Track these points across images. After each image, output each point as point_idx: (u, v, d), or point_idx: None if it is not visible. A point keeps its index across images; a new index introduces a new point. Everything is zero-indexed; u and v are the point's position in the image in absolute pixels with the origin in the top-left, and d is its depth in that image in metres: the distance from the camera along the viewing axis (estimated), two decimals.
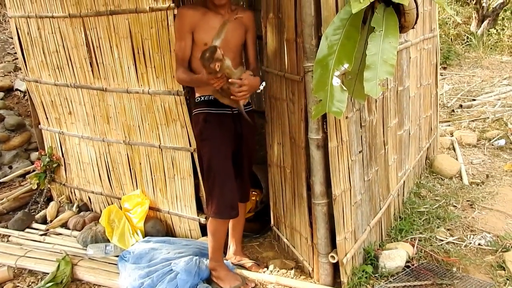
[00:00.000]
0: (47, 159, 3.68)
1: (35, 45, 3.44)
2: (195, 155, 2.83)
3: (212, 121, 2.42)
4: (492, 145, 4.48)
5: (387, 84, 2.74)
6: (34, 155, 4.51)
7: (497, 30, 9.89)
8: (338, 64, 1.85)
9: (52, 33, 3.27)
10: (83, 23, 3.05)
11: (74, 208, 3.60)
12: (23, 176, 4.30)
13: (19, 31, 3.51)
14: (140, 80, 2.93)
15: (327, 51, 1.88)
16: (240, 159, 2.56)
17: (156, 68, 2.82)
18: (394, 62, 1.82)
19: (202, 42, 2.33)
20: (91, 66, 3.16)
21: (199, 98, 2.47)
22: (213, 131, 2.41)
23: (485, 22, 10.08)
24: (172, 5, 2.58)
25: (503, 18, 10.32)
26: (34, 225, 3.52)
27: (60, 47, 3.27)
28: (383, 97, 2.71)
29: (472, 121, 5.25)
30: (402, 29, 2.07)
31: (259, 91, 2.46)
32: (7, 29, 5.99)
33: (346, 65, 1.84)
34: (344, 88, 1.86)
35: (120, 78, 3.03)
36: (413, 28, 2.18)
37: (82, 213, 3.51)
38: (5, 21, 6.16)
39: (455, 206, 3.29)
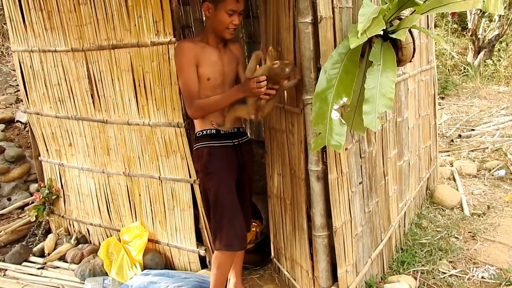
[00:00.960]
0: (46, 191, 3.67)
1: (37, 78, 3.49)
2: (195, 187, 2.82)
3: (217, 154, 2.42)
4: (492, 175, 4.47)
5: (386, 116, 2.76)
6: (33, 187, 4.49)
7: (493, 61, 10.04)
8: (337, 97, 1.87)
9: (55, 66, 3.32)
10: (85, 57, 3.11)
11: (72, 240, 3.56)
12: (21, 208, 4.27)
13: (22, 64, 3.57)
14: (140, 112, 2.96)
15: (326, 85, 1.91)
16: (242, 189, 2.55)
17: (156, 100, 2.85)
18: (392, 96, 1.84)
19: (205, 77, 2.34)
20: (92, 98, 3.19)
21: (201, 132, 2.46)
22: (219, 164, 2.41)
23: (482, 53, 10.25)
24: (174, 39, 2.63)
25: (499, 49, 10.50)
26: (32, 258, 3.47)
27: (62, 80, 3.31)
28: (382, 128, 2.73)
29: (472, 151, 5.26)
30: (400, 62, 2.10)
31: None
32: (9, 61, 6.08)
33: (345, 99, 1.86)
34: (343, 121, 1.87)
35: (121, 110, 3.05)
36: (410, 61, 2.22)
37: (80, 246, 3.47)
38: (8, 54, 6.26)
39: (457, 238, 3.26)
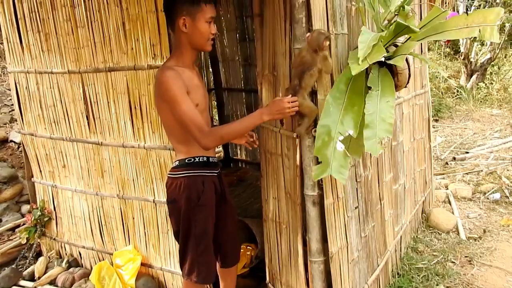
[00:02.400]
0: (39, 213, 3.62)
1: (32, 99, 3.48)
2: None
3: (209, 184, 2.30)
4: (487, 198, 4.47)
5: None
6: (25, 208, 4.43)
7: (486, 84, 10.18)
8: (342, 129, 1.87)
9: (51, 88, 3.32)
10: (81, 79, 3.11)
11: (63, 263, 3.50)
12: (12, 229, 4.20)
13: (17, 85, 3.56)
14: (136, 134, 2.95)
15: (330, 115, 1.90)
16: (225, 220, 2.46)
17: (152, 123, 2.84)
18: (392, 121, 1.84)
19: (194, 103, 2.13)
20: (87, 120, 3.18)
21: (192, 159, 2.26)
22: (210, 195, 2.30)
23: (474, 76, 10.39)
24: None
25: (491, 73, 10.66)
26: (22, 282, 3.40)
27: (58, 101, 3.31)
28: None
29: (466, 173, 5.27)
30: (396, 88, 2.11)
31: None
32: (5, 81, 6.08)
33: (351, 132, 1.86)
34: (348, 154, 1.86)
35: (116, 132, 3.04)
36: (405, 87, 2.24)
37: (71, 269, 3.41)
38: (3, 73, 6.26)
39: (454, 262, 3.23)
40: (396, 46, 2.08)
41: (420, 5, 3.34)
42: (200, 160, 2.28)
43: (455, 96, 9.98)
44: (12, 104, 5.05)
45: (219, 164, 2.45)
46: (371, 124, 1.83)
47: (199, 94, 2.20)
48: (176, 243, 2.93)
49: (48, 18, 3.15)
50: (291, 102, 2.03)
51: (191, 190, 2.23)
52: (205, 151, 2.22)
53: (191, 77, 2.18)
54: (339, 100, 1.93)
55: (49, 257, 3.66)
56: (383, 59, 1.96)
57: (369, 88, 1.92)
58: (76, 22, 3.02)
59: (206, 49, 2.22)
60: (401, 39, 2.09)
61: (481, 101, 9.53)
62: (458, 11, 9.82)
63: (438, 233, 3.76)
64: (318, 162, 2.23)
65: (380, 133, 1.82)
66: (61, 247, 3.70)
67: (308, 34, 2.04)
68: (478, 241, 3.59)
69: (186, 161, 2.26)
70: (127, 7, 2.76)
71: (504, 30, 10.30)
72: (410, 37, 2.02)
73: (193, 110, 2.07)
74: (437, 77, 10.56)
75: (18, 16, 3.32)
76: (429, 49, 10.70)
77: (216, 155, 2.48)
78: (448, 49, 11.86)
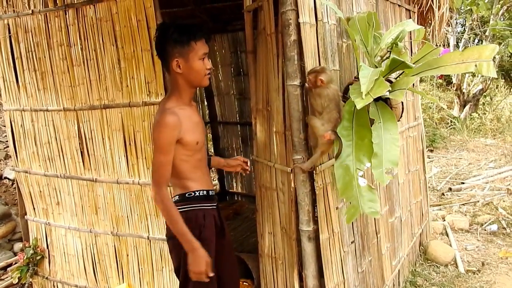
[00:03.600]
0: (31, 251, 3.56)
1: (27, 136, 3.49)
2: None
3: (209, 218, 2.27)
4: (485, 230, 4.45)
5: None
6: (17, 246, 4.36)
7: (479, 114, 10.30)
8: (359, 163, 1.88)
9: (46, 125, 3.33)
10: (76, 116, 3.13)
11: None
12: (4, 268, 4.12)
13: (12, 123, 3.57)
14: (130, 170, 2.95)
15: (343, 153, 1.92)
16: (224, 254, 2.40)
17: (147, 159, 2.85)
18: (397, 153, 1.85)
19: (194, 142, 2.17)
20: (82, 157, 3.18)
21: (192, 193, 2.24)
22: (210, 229, 2.26)
23: (467, 107, 10.53)
24: None
25: (483, 103, 10.81)
26: None
27: (53, 138, 3.31)
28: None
29: (463, 204, 5.26)
30: None
31: None
32: (1, 117, 6.10)
33: (368, 164, 1.87)
34: (373, 186, 1.87)
35: (111, 169, 3.04)
36: (399, 120, 2.26)
37: None
38: None
39: None
40: (390, 81, 2.12)
41: (410, 42, 3.42)
42: (201, 194, 2.26)
43: (449, 126, 10.08)
44: (7, 141, 5.05)
45: (216, 197, 2.42)
46: (378, 153, 1.84)
47: (198, 132, 2.20)
48: (172, 279, 2.91)
49: (45, 57, 3.20)
50: None
51: (192, 224, 2.18)
52: (204, 184, 2.24)
53: (191, 116, 2.18)
54: (348, 137, 1.94)
55: None
56: (387, 93, 1.98)
57: (372, 120, 1.94)
58: (72, 60, 3.06)
59: (204, 84, 2.21)
60: (393, 75, 2.13)
61: (475, 131, 9.61)
62: (448, 44, 10.04)
63: (437, 266, 3.71)
64: (313, 198, 2.24)
65: (386, 164, 1.83)
66: (54, 286, 3.62)
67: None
68: (477, 274, 3.55)
69: (187, 195, 2.24)
70: (122, 46, 2.81)
71: (495, 62, 10.51)
72: (403, 72, 2.06)
73: (166, 165, 2.09)
74: (430, 108, 10.69)
75: (15, 56, 3.36)
76: (421, 80, 10.88)
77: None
78: (440, 80, 12.05)
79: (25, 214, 3.76)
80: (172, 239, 2.23)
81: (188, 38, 2.06)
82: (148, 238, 2.96)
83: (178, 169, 2.18)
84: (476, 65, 1.81)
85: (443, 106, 9.99)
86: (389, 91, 2.00)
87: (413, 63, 2.02)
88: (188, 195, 2.24)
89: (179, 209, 2.20)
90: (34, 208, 3.65)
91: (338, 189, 1.93)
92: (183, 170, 2.18)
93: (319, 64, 2.17)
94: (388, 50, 2.11)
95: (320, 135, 2.01)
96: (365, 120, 1.95)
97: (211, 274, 2.11)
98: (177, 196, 2.26)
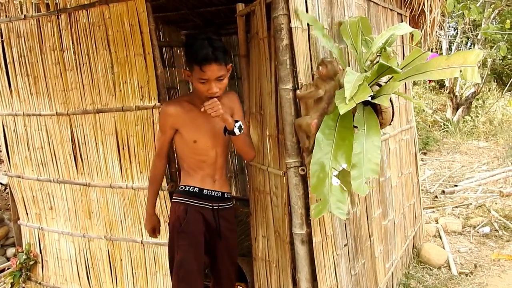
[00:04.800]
0: (24, 257, 3.55)
1: (20, 141, 3.47)
2: None
3: (193, 214, 2.33)
4: (477, 232, 4.48)
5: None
6: (10, 251, 4.34)
7: (471, 117, 10.36)
8: (335, 163, 1.88)
9: (39, 130, 3.32)
10: (69, 121, 3.12)
11: None
12: None
13: (5, 128, 3.56)
14: (124, 175, 2.94)
15: (322, 151, 1.92)
16: (217, 257, 2.45)
17: (140, 164, 2.85)
18: (378, 161, 1.86)
19: (191, 140, 2.27)
20: (75, 161, 3.18)
21: (183, 187, 2.37)
22: (193, 225, 2.32)
23: (460, 110, 10.60)
24: (158, 103, 2.67)
25: (476, 106, 10.88)
26: None
27: (46, 143, 3.30)
28: None
29: (456, 207, 5.29)
30: (380, 126, 2.14)
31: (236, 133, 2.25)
32: None
33: (344, 165, 1.88)
34: (344, 188, 1.87)
35: (104, 173, 3.04)
36: (389, 124, 2.28)
37: None
38: None
39: None
40: (379, 85, 2.13)
41: (403, 46, 3.45)
42: (190, 190, 2.37)
43: (442, 129, 10.13)
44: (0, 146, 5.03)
45: (216, 198, 2.42)
46: (358, 164, 1.85)
47: (200, 133, 2.29)
48: (164, 285, 2.91)
49: (37, 62, 3.20)
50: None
51: (175, 216, 2.35)
52: (202, 183, 2.36)
53: (196, 116, 2.27)
54: (329, 136, 1.95)
55: None
56: (369, 98, 2.00)
57: (356, 127, 1.96)
58: (65, 65, 3.06)
59: (208, 95, 2.16)
60: (384, 79, 2.15)
61: (467, 134, 9.68)
62: (441, 47, 10.12)
63: (430, 268, 3.73)
64: (306, 201, 2.25)
65: (367, 173, 1.83)
66: None
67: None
68: (470, 276, 3.57)
69: (179, 188, 2.41)
70: (115, 50, 2.81)
71: (487, 65, 10.60)
72: (393, 77, 2.08)
73: (161, 141, 2.37)
74: (423, 111, 10.75)
75: (8, 61, 3.36)
76: (415, 84, 10.96)
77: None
78: (433, 83, 12.13)
79: (18, 219, 3.74)
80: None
81: (192, 59, 2.10)
82: (141, 243, 2.95)
83: (183, 164, 2.41)
84: (461, 71, 1.83)
85: (427, 110, 10.05)
86: (372, 96, 2.02)
87: (402, 68, 2.03)
88: (180, 188, 2.40)
89: (173, 199, 2.42)
90: (27, 213, 3.63)
91: (311, 184, 1.93)
92: (185, 166, 2.39)
93: (311, 69, 2.19)
94: (378, 54, 2.13)
95: (308, 123, 2.03)
96: (350, 123, 1.97)
97: (156, 237, 2.56)
98: (178, 187, 2.45)
